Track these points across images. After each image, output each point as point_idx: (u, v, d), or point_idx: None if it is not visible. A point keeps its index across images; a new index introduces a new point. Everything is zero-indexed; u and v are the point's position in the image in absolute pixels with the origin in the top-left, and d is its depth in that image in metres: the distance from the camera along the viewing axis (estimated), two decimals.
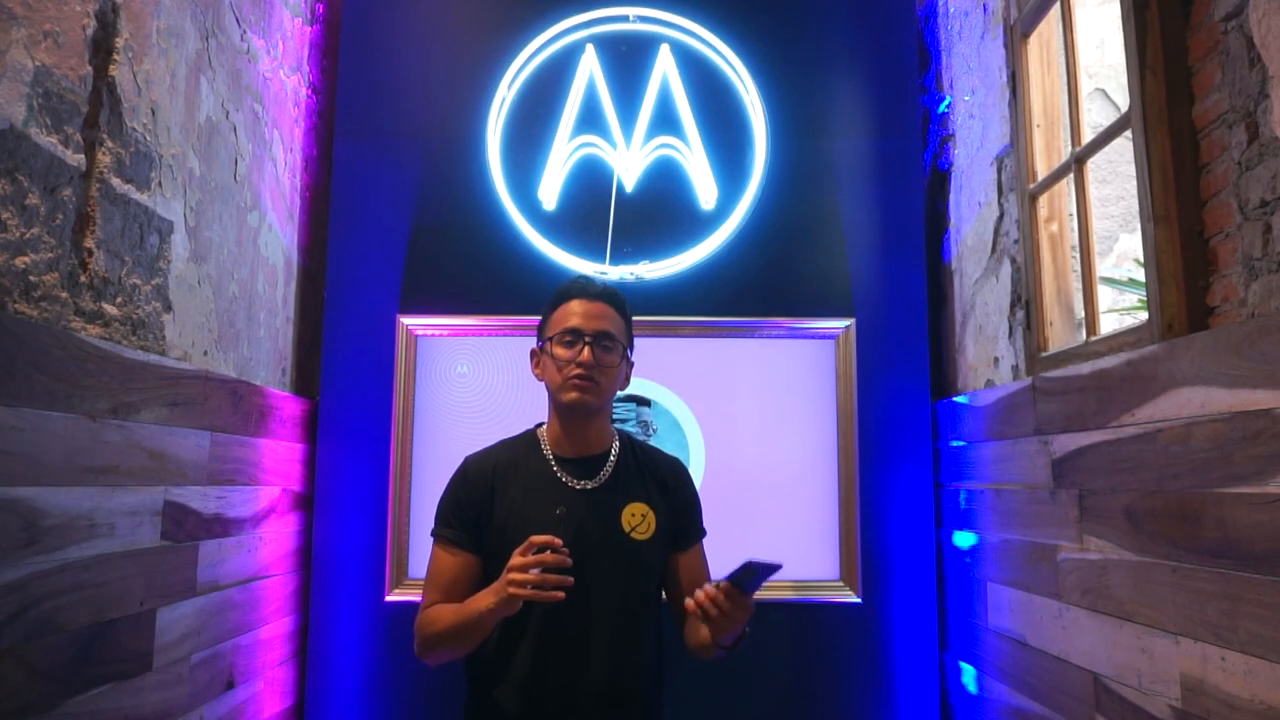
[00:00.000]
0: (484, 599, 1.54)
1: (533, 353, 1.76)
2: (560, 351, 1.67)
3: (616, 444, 1.77)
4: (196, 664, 1.87)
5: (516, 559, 1.49)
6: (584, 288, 1.73)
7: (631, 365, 1.78)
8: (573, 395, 1.66)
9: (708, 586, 1.49)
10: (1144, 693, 1.54)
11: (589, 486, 1.69)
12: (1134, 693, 1.57)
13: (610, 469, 1.72)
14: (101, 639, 1.52)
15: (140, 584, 1.64)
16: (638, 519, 1.69)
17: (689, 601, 1.49)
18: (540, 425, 1.79)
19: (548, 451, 1.73)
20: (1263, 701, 1.25)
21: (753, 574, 1.43)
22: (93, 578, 1.49)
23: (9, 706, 1.28)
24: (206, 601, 1.91)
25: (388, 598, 2.40)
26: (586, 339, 1.66)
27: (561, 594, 1.46)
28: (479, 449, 1.79)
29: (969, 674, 2.33)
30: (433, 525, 1.72)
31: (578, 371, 1.65)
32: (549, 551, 1.48)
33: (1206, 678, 1.37)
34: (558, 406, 1.71)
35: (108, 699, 1.54)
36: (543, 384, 1.73)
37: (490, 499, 1.69)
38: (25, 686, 1.32)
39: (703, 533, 1.81)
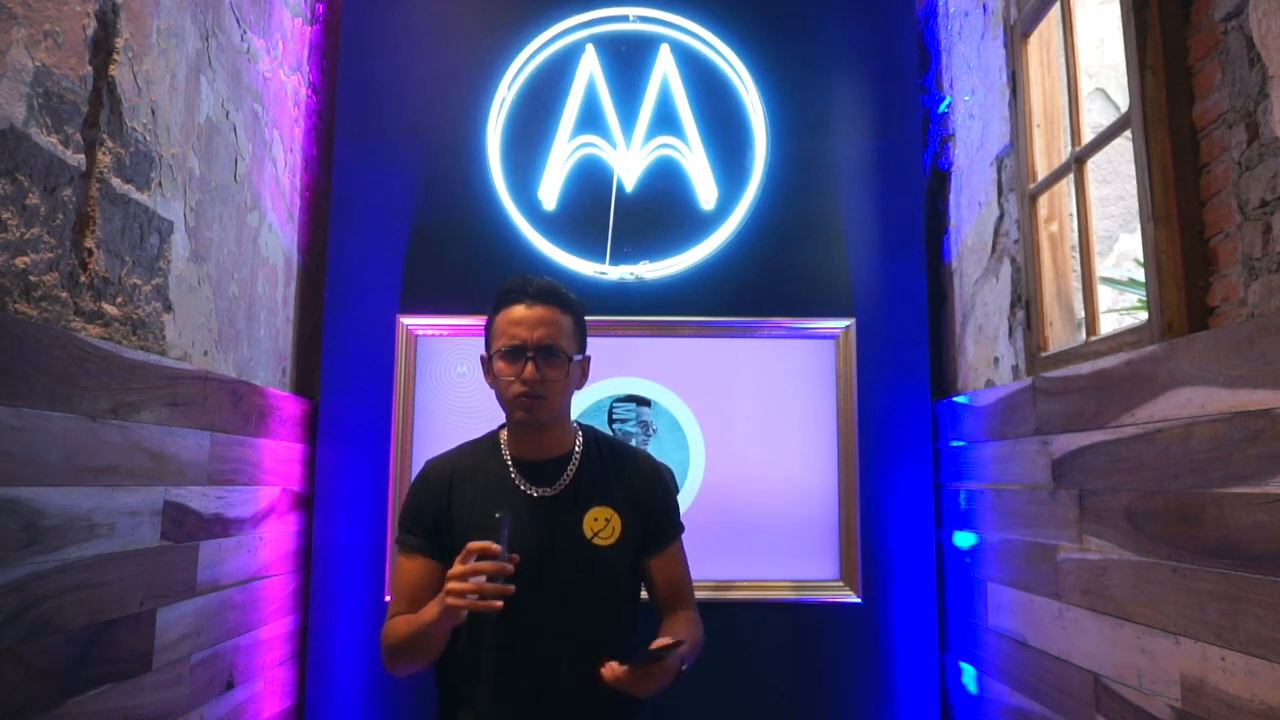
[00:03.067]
0: (430, 610, 1.47)
1: (481, 359, 1.68)
2: (503, 367, 1.60)
3: (579, 444, 1.70)
4: (196, 664, 1.87)
5: (455, 568, 1.42)
6: (522, 289, 1.62)
7: (587, 361, 1.71)
8: (520, 415, 1.61)
9: (613, 665, 1.41)
10: (1144, 693, 1.54)
11: (547, 494, 1.64)
12: (1134, 693, 1.57)
13: (571, 474, 1.66)
14: (101, 639, 1.52)
15: (140, 584, 1.64)
16: (600, 524, 1.63)
17: (604, 672, 1.42)
18: (503, 426, 1.73)
19: (507, 456, 1.68)
20: (1263, 702, 1.25)
21: (649, 657, 1.41)
22: (92, 578, 1.49)
23: (9, 706, 1.28)
24: (206, 601, 1.91)
25: (388, 598, 2.40)
26: (529, 354, 1.58)
27: (499, 603, 1.39)
28: (439, 453, 1.75)
29: (969, 674, 2.33)
30: (395, 533, 1.67)
31: (523, 389, 1.58)
32: (485, 559, 1.41)
33: (1207, 678, 1.37)
34: (509, 419, 1.67)
35: (107, 699, 1.54)
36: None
37: (448, 504, 1.65)
38: (25, 686, 1.32)
39: (679, 530, 1.74)
